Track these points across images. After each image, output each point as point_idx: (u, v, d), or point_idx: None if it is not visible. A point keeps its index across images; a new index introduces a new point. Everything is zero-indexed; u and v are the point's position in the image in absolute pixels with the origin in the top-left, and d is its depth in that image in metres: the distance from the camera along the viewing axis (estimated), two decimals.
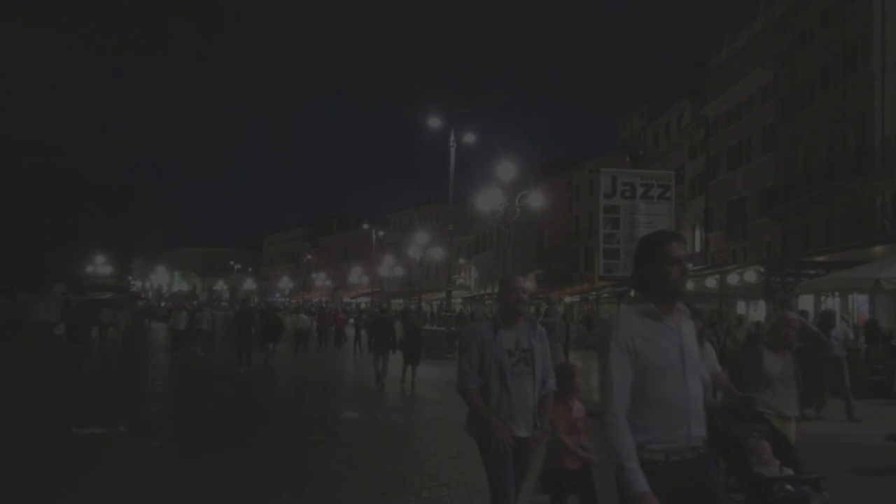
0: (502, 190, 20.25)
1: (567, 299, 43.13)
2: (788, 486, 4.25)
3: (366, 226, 75.79)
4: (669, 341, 2.76)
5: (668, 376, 2.71)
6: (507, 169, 20.87)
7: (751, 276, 22.03)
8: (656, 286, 2.79)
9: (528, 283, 4.32)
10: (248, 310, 20.76)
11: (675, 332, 2.78)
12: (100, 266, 53.59)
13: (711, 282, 25.40)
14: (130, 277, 77.16)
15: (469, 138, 27.20)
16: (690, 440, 2.71)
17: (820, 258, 23.02)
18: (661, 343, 2.74)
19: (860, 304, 21.20)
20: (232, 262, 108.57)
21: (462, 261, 65.32)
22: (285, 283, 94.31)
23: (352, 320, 37.12)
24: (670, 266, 2.77)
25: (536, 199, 20.97)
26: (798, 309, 21.51)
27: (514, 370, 4.14)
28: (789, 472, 4.44)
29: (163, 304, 68.43)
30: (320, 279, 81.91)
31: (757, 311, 24.75)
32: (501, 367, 4.13)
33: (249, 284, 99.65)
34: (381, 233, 69.05)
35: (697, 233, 40.05)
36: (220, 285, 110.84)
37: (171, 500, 6.24)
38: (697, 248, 39.63)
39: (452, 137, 26.85)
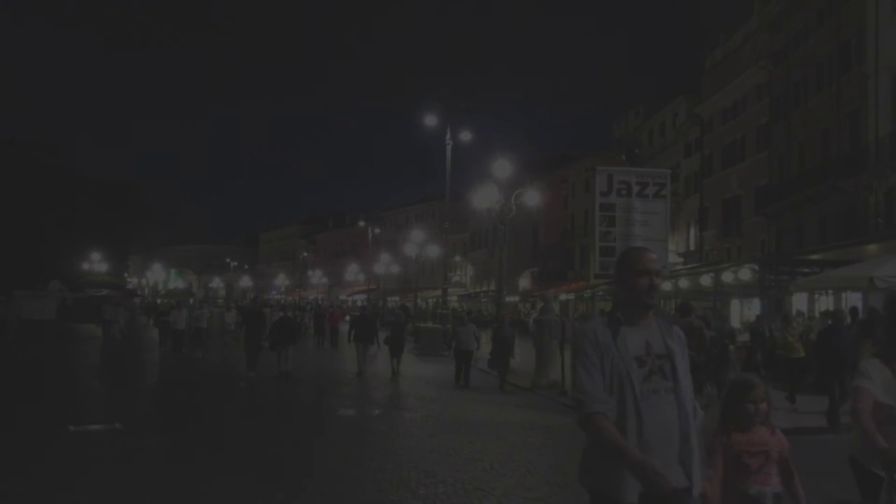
0: (498, 188, 20.25)
1: (562, 297, 43.20)
2: None
3: (362, 223, 75.84)
4: None
5: None
6: (502, 167, 20.89)
7: (745, 274, 22.11)
8: None
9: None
10: (259, 308, 19.63)
11: None
12: (96, 263, 53.53)
13: (706, 280, 25.50)
14: (126, 274, 77.04)
15: (465, 136, 27.27)
16: None
17: (814, 256, 23.12)
18: None
19: (854, 302, 21.33)
20: (228, 260, 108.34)
21: (458, 258, 65.40)
22: (281, 280, 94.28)
23: (348, 317, 37.02)
24: None
25: (532, 197, 20.94)
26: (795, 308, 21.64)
27: (646, 386, 2.78)
28: None
29: (158, 301, 68.33)
30: (316, 276, 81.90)
31: (751, 309, 24.89)
32: (630, 383, 2.77)
33: (246, 282, 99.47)
34: (377, 230, 69.15)
35: (692, 231, 40.19)
36: (217, 283, 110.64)
37: (167, 496, 6.29)
38: (692, 247, 39.79)
39: (449, 135, 26.90)
